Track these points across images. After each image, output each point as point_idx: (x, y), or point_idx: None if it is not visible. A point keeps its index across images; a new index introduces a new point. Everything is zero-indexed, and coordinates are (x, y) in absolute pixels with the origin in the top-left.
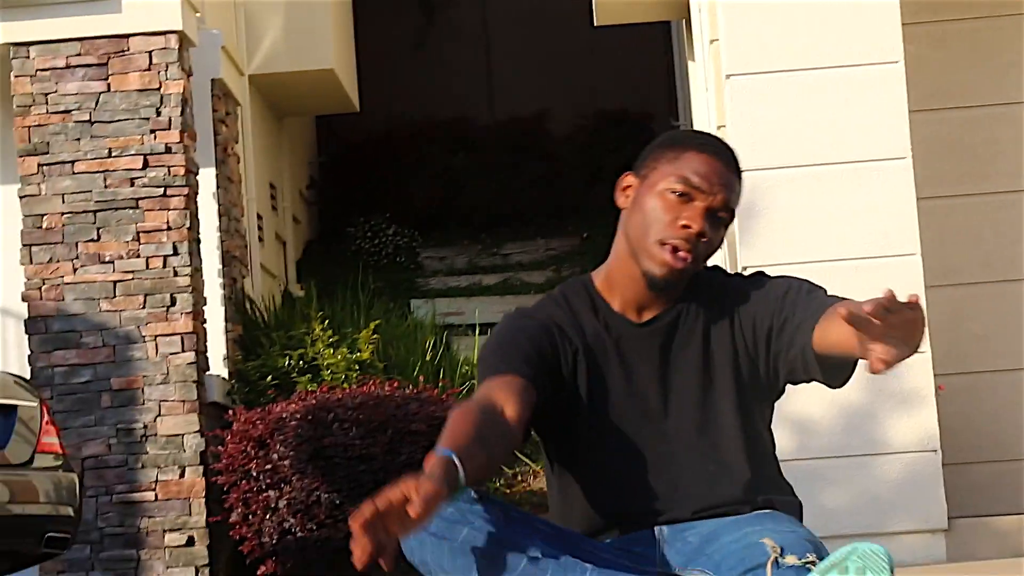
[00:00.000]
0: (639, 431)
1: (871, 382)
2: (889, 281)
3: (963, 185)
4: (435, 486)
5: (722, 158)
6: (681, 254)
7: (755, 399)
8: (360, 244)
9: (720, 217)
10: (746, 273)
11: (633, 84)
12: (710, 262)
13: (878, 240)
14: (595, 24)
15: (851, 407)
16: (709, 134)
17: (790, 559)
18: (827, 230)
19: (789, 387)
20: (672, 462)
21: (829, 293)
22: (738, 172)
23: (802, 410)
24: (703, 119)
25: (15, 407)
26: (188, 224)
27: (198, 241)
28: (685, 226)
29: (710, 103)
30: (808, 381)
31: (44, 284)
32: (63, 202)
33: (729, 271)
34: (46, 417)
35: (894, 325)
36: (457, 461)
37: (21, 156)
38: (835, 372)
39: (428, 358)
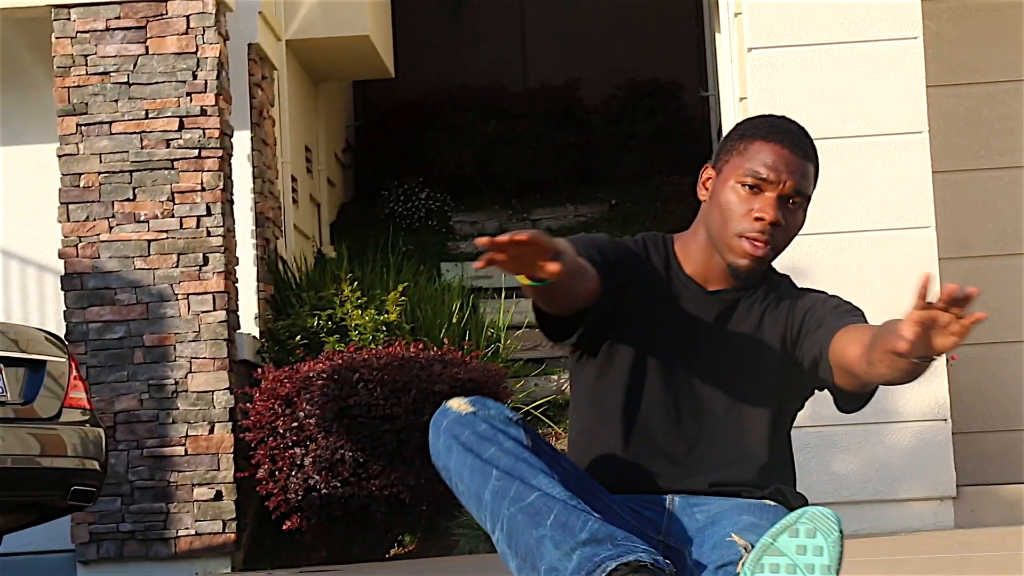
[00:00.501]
0: (676, 382)
1: None
2: (904, 253)
3: (980, 159)
4: (554, 249)
5: (789, 144)
6: (759, 243)
7: (790, 392)
8: (393, 207)
9: (794, 203)
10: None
11: (664, 54)
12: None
13: (894, 213)
14: None
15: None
16: (783, 119)
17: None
18: (844, 202)
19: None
20: (698, 426)
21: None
22: (809, 155)
23: None
24: (728, 90)
25: (44, 362)
26: (222, 185)
27: (231, 202)
28: (759, 218)
29: (734, 75)
30: (824, 389)
31: (80, 242)
32: (100, 162)
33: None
34: (74, 373)
35: (942, 321)
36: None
37: (60, 116)
38: (846, 396)
39: (455, 320)
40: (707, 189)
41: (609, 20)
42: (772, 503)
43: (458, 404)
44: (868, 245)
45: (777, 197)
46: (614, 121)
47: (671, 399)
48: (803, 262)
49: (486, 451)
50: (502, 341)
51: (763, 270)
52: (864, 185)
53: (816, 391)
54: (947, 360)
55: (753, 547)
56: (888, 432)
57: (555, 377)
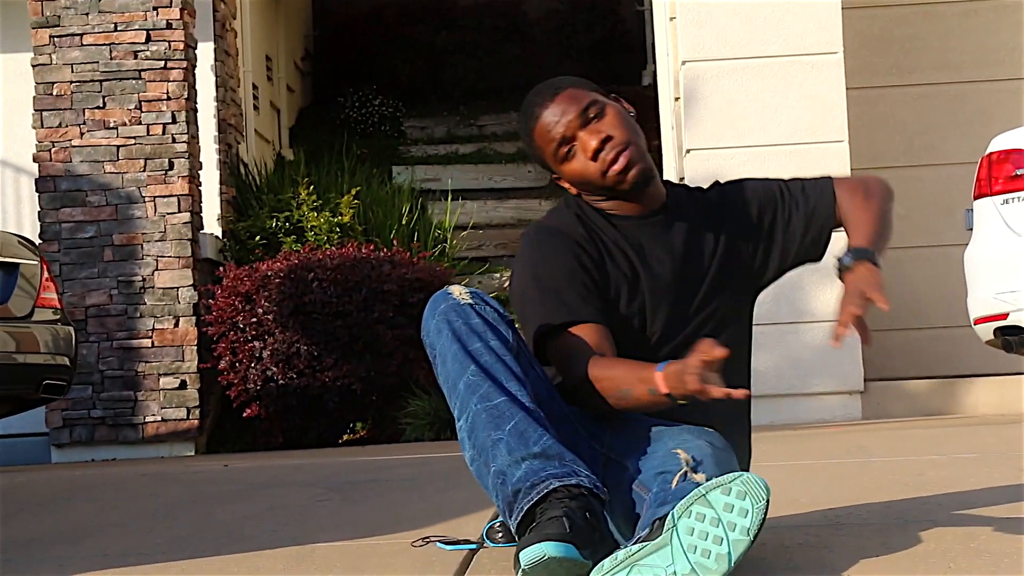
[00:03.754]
0: (655, 314)
1: None
2: (819, 164)
3: (890, 77)
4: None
5: (550, 98)
6: (620, 162)
7: (741, 289)
8: (349, 113)
9: (592, 114)
10: (706, 186)
11: None
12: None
13: (810, 127)
14: None
15: (780, 279)
16: (543, 84)
17: (699, 477)
18: (764, 117)
19: None
20: (665, 347)
21: (801, 178)
22: (563, 85)
23: None
24: (660, 8)
25: (17, 264)
26: (186, 95)
27: (195, 110)
28: (596, 149)
29: None
30: (801, 264)
31: (54, 147)
32: (72, 72)
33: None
34: (46, 274)
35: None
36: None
37: (35, 28)
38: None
39: (404, 222)
40: (568, 183)
41: None
42: (710, 429)
43: (459, 292)
44: (786, 157)
45: (586, 129)
46: (555, 34)
47: (653, 324)
48: (725, 172)
49: (472, 344)
50: (448, 241)
51: (647, 178)
52: (783, 102)
53: (796, 266)
54: None
55: (694, 459)
56: (802, 331)
57: (498, 275)
